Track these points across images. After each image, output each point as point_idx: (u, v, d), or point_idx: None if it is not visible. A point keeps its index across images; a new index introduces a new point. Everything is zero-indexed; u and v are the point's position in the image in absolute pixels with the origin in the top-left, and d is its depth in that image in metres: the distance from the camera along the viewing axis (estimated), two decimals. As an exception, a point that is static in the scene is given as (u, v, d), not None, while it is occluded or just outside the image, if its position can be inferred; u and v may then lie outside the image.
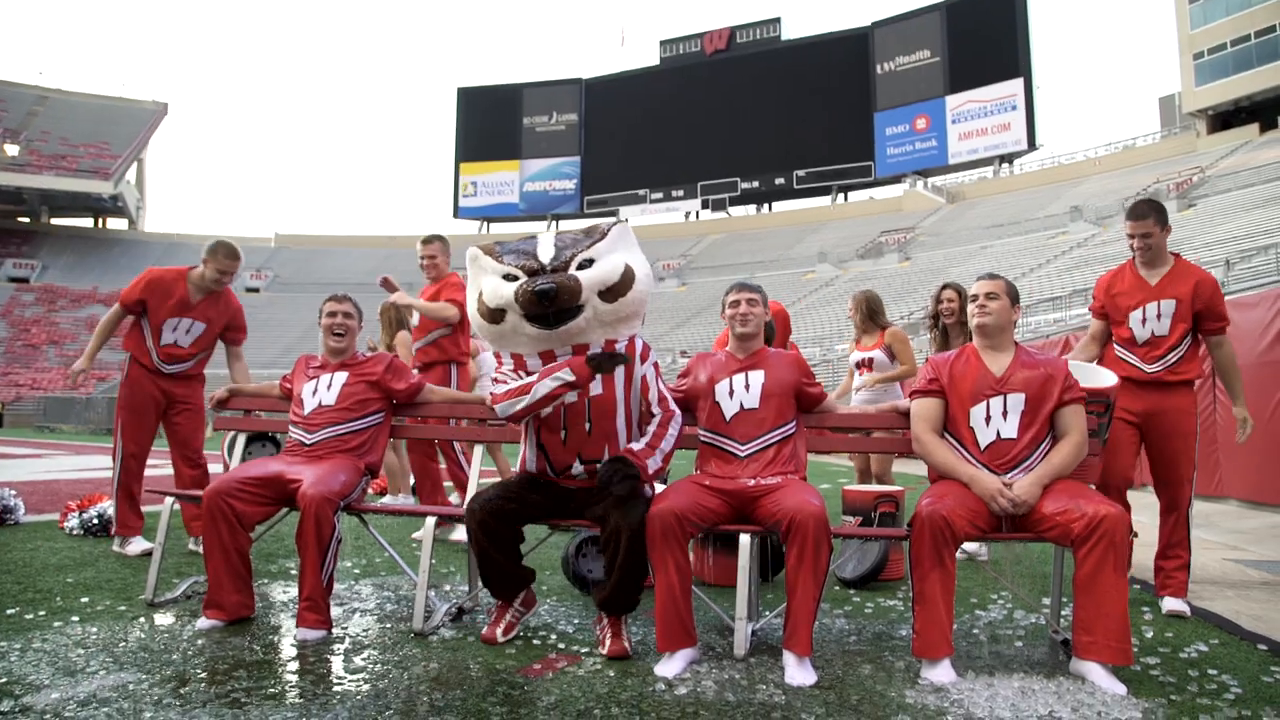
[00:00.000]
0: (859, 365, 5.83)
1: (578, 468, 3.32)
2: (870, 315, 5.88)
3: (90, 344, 4.94)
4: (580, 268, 3.18)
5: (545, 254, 3.22)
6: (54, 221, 64.20)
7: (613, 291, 3.18)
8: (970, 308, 3.35)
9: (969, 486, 3.07)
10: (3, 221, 61.77)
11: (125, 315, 4.92)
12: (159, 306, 4.86)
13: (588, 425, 3.26)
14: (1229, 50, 42.83)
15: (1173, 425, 4.00)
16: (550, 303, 3.09)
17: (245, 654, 3.03)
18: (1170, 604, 3.86)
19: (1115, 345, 4.13)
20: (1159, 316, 4.01)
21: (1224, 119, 44.89)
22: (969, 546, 4.51)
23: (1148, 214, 4.01)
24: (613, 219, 3.35)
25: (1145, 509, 4.53)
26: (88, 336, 50.73)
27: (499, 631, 3.27)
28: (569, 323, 3.15)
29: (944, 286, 5.49)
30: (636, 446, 3.21)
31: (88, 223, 66.28)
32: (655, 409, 3.31)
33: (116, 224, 67.00)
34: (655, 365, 3.42)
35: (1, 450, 17.16)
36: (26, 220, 62.99)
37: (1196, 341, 4.07)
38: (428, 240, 5.74)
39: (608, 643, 3.11)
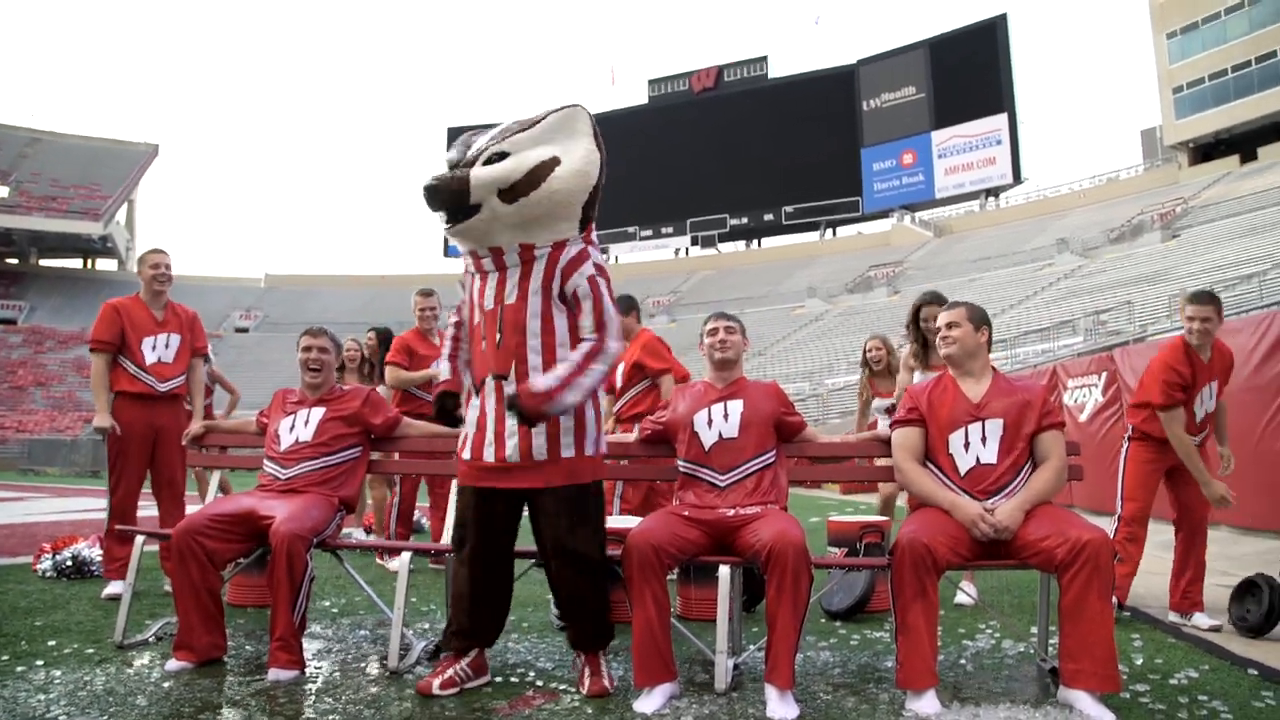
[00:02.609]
0: (889, 411, 5.77)
1: (489, 384, 3.03)
2: (890, 358, 5.98)
3: (98, 400, 4.85)
4: (489, 161, 2.89)
5: (474, 147, 2.98)
6: (43, 263, 63.98)
7: (513, 190, 2.86)
8: (936, 339, 3.36)
9: (950, 513, 3.03)
10: (-9, 263, 61.68)
11: (110, 355, 4.88)
12: (132, 331, 4.87)
13: (498, 337, 3.00)
14: (1207, 84, 43.43)
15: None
16: (434, 201, 2.91)
17: (214, 696, 2.95)
18: (1201, 619, 4.11)
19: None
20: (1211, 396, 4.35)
21: (1204, 151, 45.41)
22: (962, 599, 4.53)
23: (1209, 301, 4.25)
24: (565, 104, 3.05)
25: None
26: (75, 377, 50.11)
27: (437, 683, 2.97)
28: (464, 222, 2.92)
29: (923, 304, 5.44)
30: (542, 383, 2.86)
31: (77, 264, 66.14)
32: (588, 334, 2.99)
33: (106, 265, 66.84)
34: (595, 280, 3.01)
35: (-16, 494, 16.93)
36: (15, 261, 62.78)
37: None
38: (428, 292, 5.99)
39: (587, 682, 3.01)
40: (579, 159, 2.95)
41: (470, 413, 3.13)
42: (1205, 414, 4.28)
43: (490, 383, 3.02)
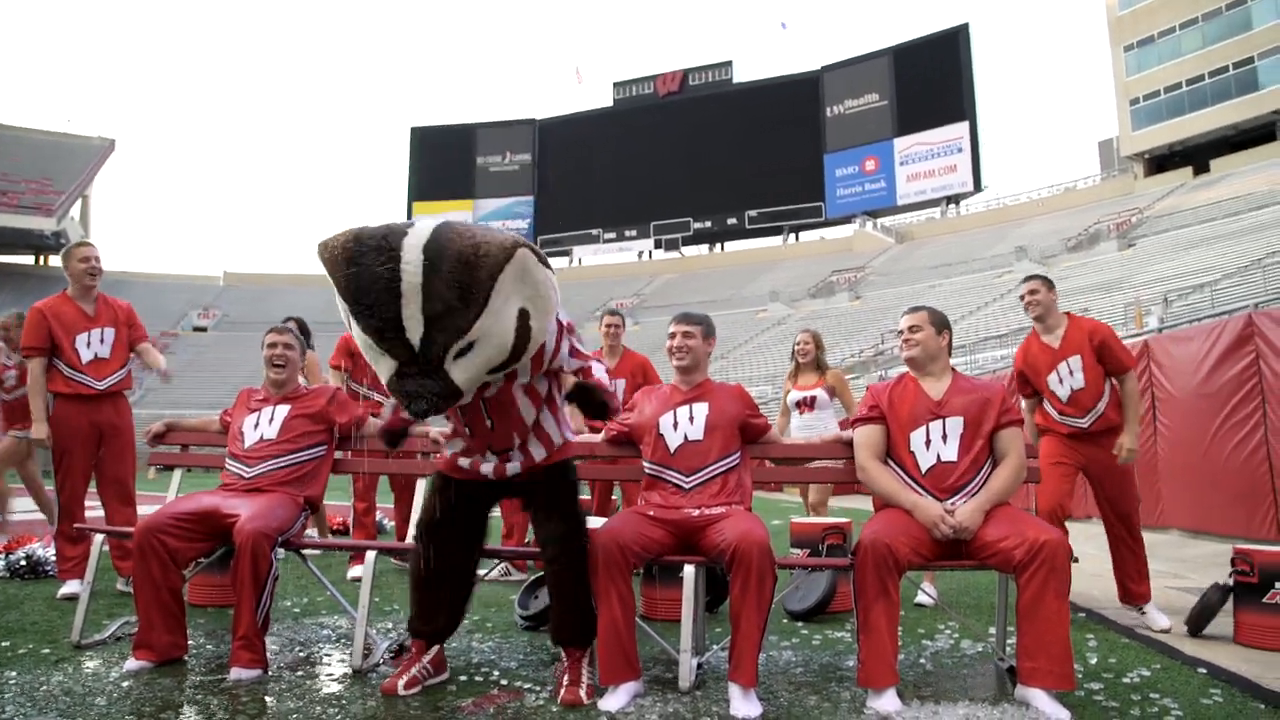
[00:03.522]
0: (800, 404, 5.89)
1: (487, 465, 3.13)
2: (818, 353, 5.98)
3: (35, 408, 4.75)
4: (460, 354, 2.52)
5: (413, 332, 2.44)
6: (-7, 258, 62.71)
7: (502, 366, 2.67)
8: (898, 342, 3.41)
9: (911, 513, 3.08)
10: (-61, 259, 60.24)
11: (44, 359, 4.78)
12: (62, 331, 4.78)
13: (489, 423, 3.02)
14: (1163, 97, 44.29)
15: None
16: (432, 412, 2.62)
17: (175, 695, 2.92)
18: (1156, 616, 4.21)
19: None
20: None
21: (1159, 162, 46.29)
22: (923, 599, 4.61)
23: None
24: (505, 244, 2.43)
25: (1088, 539, 4.58)
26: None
27: (401, 683, 3.00)
28: (455, 402, 2.68)
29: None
30: (597, 375, 3.14)
31: (29, 260, 64.79)
32: (569, 367, 3.10)
33: (59, 261, 65.67)
34: (562, 350, 2.97)
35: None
36: (-36, 257, 61.46)
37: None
38: None
39: (562, 690, 2.94)
40: (543, 300, 2.60)
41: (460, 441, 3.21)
42: (1072, 391, 4.41)
43: (490, 455, 3.15)
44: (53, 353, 4.79)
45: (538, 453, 3.16)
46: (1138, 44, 45.57)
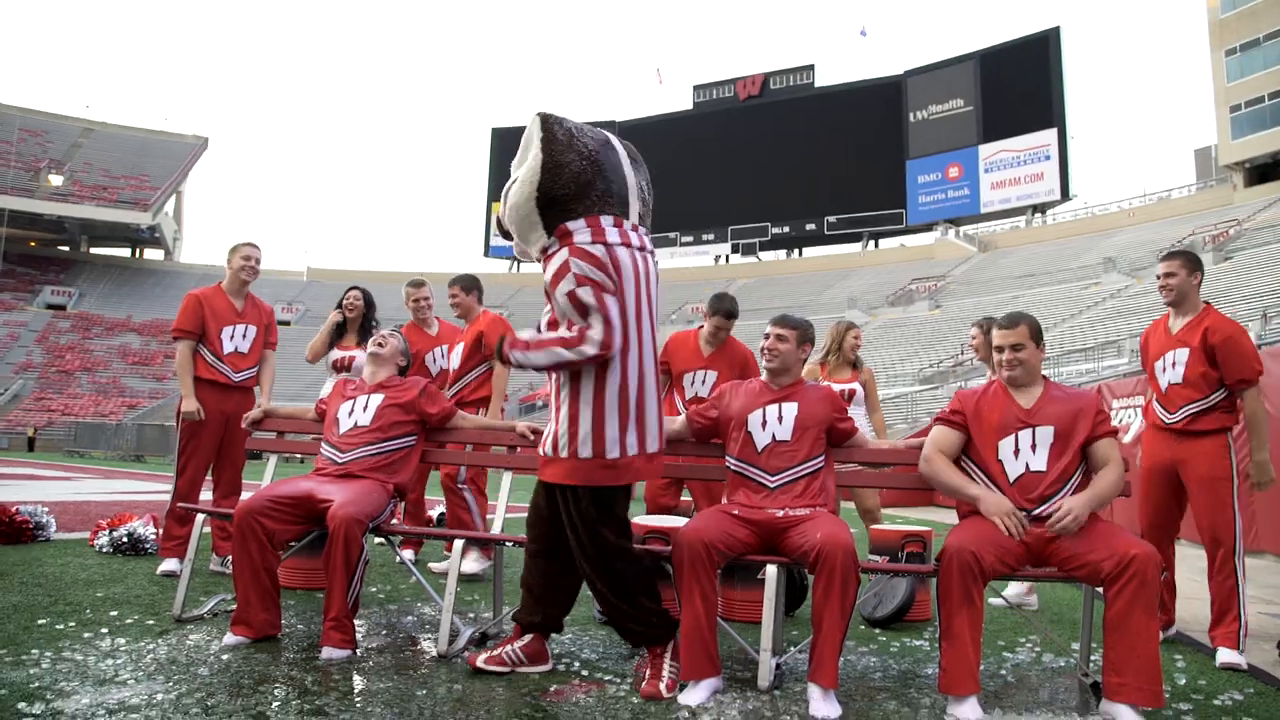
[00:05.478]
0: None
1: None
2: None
3: (184, 385, 5.02)
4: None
5: None
6: (93, 251, 65.47)
7: (500, 223, 3.23)
8: (997, 358, 3.29)
9: (976, 505, 3.05)
10: (43, 249, 63.10)
11: (193, 343, 5.04)
12: (212, 320, 5.04)
13: None
14: (1266, 104, 42.60)
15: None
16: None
17: (271, 670, 3.05)
18: (1224, 655, 3.73)
19: None
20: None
21: (1261, 172, 44.54)
22: (1009, 593, 4.48)
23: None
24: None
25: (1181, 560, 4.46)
26: (120, 364, 51.05)
27: (482, 658, 3.15)
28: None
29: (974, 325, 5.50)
30: (525, 334, 3.12)
31: (125, 253, 67.57)
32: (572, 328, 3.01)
33: (153, 254, 68.24)
34: (575, 294, 2.97)
35: (33, 473, 17.39)
36: (66, 249, 64.28)
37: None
38: (419, 283, 6.00)
39: (644, 683, 2.98)
40: (524, 171, 3.05)
41: None
42: (1169, 385, 4.08)
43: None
44: (200, 338, 5.05)
45: (547, 443, 3.16)
46: (1240, 48, 43.87)
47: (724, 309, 4.96)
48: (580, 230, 3.04)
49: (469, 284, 5.67)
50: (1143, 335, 4.38)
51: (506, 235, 3.19)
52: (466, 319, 5.68)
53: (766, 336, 3.52)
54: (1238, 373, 3.91)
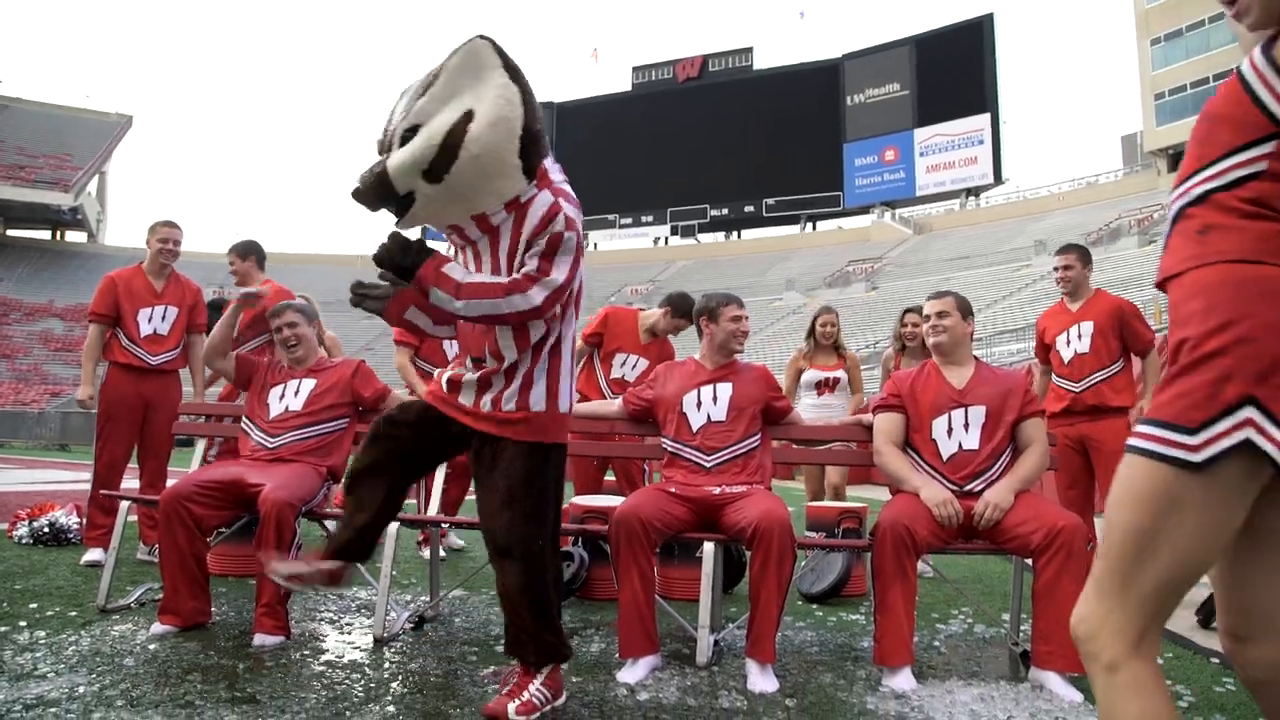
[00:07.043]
0: (819, 385, 5.85)
1: (469, 375, 2.62)
2: (839, 335, 5.98)
3: (85, 370, 4.91)
4: (404, 141, 2.39)
5: (392, 122, 2.46)
6: (9, 233, 63.04)
7: (433, 170, 2.35)
8: (924, 327, 3.44)
9: (918, 495, 3.10)
10: (-43, 231, 60.76)
11: (105, 327, 4.92)
12: (127, 301, 4.91)
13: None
14: (1189, 92, 43.80)
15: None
16: (366, 204, 2.46)
17: (200, 658, 2.97)
18: None
19: None
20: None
21: (1183, 159, 45.92)
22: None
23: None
24: (464, 42, 2.43)
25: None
26: (42, 350, 49.46)
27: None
28: (406, 214, 2.47)
29: (906, 311, 5.58)
30: (458, 273, 2.48)
31: (46, 235, 65.20)
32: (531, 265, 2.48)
33: (75, 236, 65.93)
34: (561, 234, 2.48)
35: (-48, 463, 16.76)
36: (-18, 231, 61.94)
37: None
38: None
39: (498, 695, 2.52)
40: (491, 105, 2.37)
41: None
42: (1075, 354, 4.57)
43: (469, 372, 2.64)
44: (115, 322, 4.92)
45: (507, 397, 2.57)
46: (1165, 37, 45.06)
47: (689, 312, 4.82)
48: (554, 169, 2.63)
49: (245, 250, 5.36)
50: (1038, 322, 4.82)
51: (403, 207, 2.45)
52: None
53: (737, 320, 3.51)
54: (1143, 338, 4.54)
